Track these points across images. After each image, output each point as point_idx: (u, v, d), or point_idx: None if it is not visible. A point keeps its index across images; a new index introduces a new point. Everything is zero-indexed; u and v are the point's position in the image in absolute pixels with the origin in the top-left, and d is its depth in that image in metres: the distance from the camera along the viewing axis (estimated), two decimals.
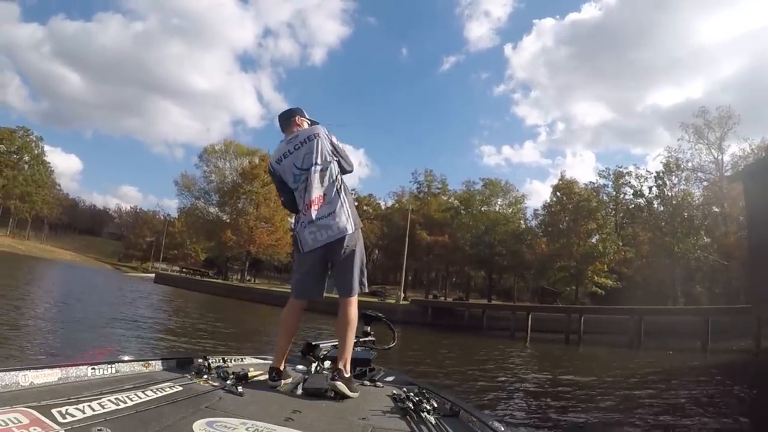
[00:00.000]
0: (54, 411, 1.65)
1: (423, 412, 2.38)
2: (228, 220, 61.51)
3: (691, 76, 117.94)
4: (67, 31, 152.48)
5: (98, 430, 1.57)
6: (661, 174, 46.87)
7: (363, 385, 3.07)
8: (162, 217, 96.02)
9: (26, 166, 79.16)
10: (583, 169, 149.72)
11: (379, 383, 3.20)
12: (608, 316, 28.79)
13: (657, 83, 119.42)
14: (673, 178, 46.76)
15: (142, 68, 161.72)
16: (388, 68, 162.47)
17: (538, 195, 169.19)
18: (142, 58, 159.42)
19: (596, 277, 46.82)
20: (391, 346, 4.12)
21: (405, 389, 2.85)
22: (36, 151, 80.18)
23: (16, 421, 1.50)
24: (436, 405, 2.52)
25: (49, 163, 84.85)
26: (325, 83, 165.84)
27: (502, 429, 2.23)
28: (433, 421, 2.27)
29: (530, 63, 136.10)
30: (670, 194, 46.88)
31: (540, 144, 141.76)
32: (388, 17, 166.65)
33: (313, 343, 3.48)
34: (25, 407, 1.63)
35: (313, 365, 3.25)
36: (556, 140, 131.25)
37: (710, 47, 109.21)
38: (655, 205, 48.19)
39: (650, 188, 48.34)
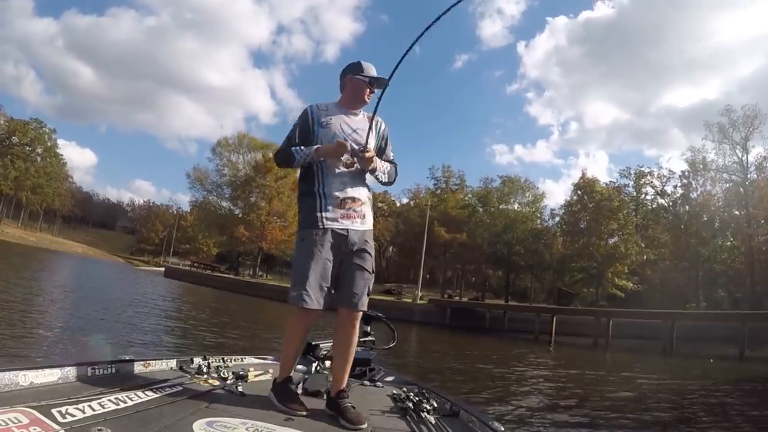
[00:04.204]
0: (54, 411, 1.66)
1: (423, 412, 2.43)
2: (240, 215, 60.86)
3: (707, 76, 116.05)
4: (80, 26, 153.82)
5: (98, 430, 1.59)
6: (686, 173, 45.76)
7: (363, 385, 3.09)
8: (174, 211, 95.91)
9: (39, 158, 79.14)
10: (597, 169, 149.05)
11: (379, 383, 3.20)
12: (634, 320, 27.55)
13: (672, 83, 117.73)
14: (699, 178, 45.58)
15: (155, 63, 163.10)
16: (401, 65, 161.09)
17: (551, 195, 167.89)
18: (155, 53, 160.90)
19: (617, 279, 45.59)
20: (391, 345, 4.11)
21: (405, 389, 2.88)
22: (49, 143, 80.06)
23: (16, 421, 1.51)
24: (436, 405, 2.57)
25: (61, 155, 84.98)
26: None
27: (502, 429, 2.24)
28: (433, 421, 2.34)
29: (543, 62, 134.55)
30: (694, 195, 45.90)
31: (553, 143, 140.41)
32: (400, 14, 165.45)
33: (313, 343, 3.46)
34: (25, 407, 1.64)
35: (313, 365, 3.23)
36: (569, 140, 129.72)
37: (727, 47, 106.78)
38: (679, 203, 47.20)
39: (675, 187, 47.75)
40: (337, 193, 2.53)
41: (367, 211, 2.63)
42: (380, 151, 2.75)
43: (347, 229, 2.50)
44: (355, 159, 2.54)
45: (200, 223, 71.65)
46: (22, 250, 52.58)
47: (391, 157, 2.82)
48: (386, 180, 2.75)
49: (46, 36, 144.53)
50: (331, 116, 2.65)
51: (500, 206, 57.27)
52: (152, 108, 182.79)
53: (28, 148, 76.82)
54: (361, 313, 2.57)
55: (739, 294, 45.03)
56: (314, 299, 2.40)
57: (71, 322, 11.46)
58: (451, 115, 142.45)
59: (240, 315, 21.89)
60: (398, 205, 70.57)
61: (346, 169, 2.56)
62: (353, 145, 2.56)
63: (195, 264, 69.19)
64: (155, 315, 16.23)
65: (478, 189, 61.07)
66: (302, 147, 2.57)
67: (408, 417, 2.42)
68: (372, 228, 2.67)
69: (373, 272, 2.62)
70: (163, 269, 60.24)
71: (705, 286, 44.87)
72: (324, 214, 2.49)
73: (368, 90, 2.71)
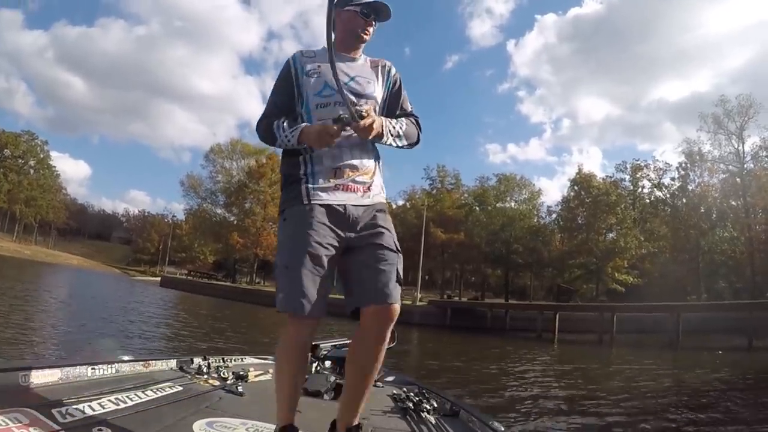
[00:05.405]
0: (54, 411, 1.66)
1: (423, 412, 2.43)
2: (235, 221, 60.55)
3: (697, 68, 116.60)
4: (69, 37, 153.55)
5: (98, 430, 1.60)
6: (684, 165, 45.61)
7: None
8: (169, 220, 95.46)
9: (31, 171, 78.93)
10: (590, 165, 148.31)
11: (379, 383, 3.13)
12: (636, 314, 27.18)
13: (662, 77, 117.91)
14: (696, 169, 45.33)
15: (146, 72, 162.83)
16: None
17: (546, 192, 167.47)
18: (145, 62, 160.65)
19: (616, 274, 45.26)
20: (390, 346, 3.56)
21: (405, 389, 2.88)
22: (41, 155, 79.76)
23: (16, 421, 1.50)
24: (436, 405, 2.57)
25: (54, 167, 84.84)
26: None
27: (502, 429, 2.22)
28: (433, 421, 2.34)
29: (533, 60, 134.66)
30: (692, 186, 45.76)
31: (545, 141, 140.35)
32: None
33: (313, 343, 3.32)
34: (25, 407, 1.62)
35: (313, 365, 3.20)
36: (562, 137, 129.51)
37: (717, 38, 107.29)
38: (677, 195, 47.04)
39: (673, 179, 47.61)
40: (329, 161, 1.88)
41: (375, 182, 1.97)
42: (393, 104, 2.09)
43: (344, 205, 1.85)
44: (348, 129, 1.82)
45: (195, 231, 71.23)
46: (17, 263, 51.91)
47: (409, 110, 2.13)
48: (404, 144, 2.03)
49: (36, 48, 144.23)
50: (320, 63, 1.94)
51: (497, 204, 56.88)
52: (144, 118, 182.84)
53: (20, 161, 76.71)
54: (396, 310, 1.81)
55: (739, 284, 44.87)
56: (309, 301, 1.71)
57: (63, 336, 11.03)
58: (444, 116, 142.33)
59: (236, 322, 21.42)
60: (394, 207, 70.24)
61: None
62: (351, 97, 1.87)
63: (191, 273, 68.65)
64: (147, 325, 15.71)
65: (474, 188, 60.72)
66: (285, 123, 1.89)
67: (408, 417, 2.41)
68: (384, 202, 2.00)
69: (398, 251, 1.90)
70: (159, 279, 59.78)
71: (705, 277, 44.56)
72: (310, 185, 1.85)
73: (363, 22, 1.97)
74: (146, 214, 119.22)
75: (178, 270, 75.86)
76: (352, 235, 1.84)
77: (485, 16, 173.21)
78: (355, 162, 1.91)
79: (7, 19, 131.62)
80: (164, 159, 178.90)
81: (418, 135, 2.09)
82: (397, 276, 1.83)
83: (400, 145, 2.01)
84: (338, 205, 1.84)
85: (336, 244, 1.81)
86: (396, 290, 1.81)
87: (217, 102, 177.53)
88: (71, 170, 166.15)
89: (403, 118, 2.05)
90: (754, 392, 10.77)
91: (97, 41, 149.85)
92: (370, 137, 1.85)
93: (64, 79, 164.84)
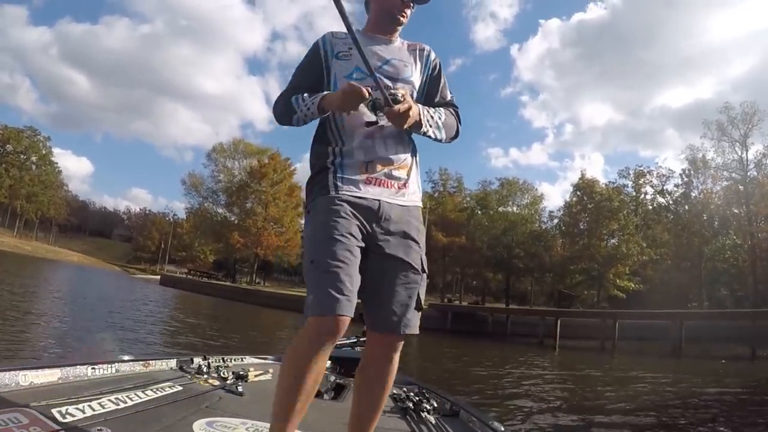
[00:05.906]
0: (54, 411, 1.65)
1: (423, 412, 2.44)
2: (236, 221, 60.46)
3: (700, 75, 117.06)
4: (74, 34, 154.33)
5: (98, 430, 1.58)
6: (687, 172, 45.52)
7: None
8: (170, 219, 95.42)
9: (33, 167, 78.94)
10: (592, 171, 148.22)
11: None
12: (638, 321, 26.99)
13: (666, 83, 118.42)
14: (700, 176, 45.26)
15: (150, 71, 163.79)
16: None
17: (547, 197, 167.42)
18: (149, 61, 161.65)
19: (618, 280, 45.09)
20: None
21: (405, 389, 2.87)
22: (43, 152, 79.74)
23: (16, 421, 1.50)
24: (436, 405, 2.58)
25: (56, 163, 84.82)
26: None
27: (502, 429, 2.21)
28: (433, 421, 2.35)
29: (536, 65, 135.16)
30: (695, 193, 45.65)
31: (548, 146, 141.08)
32: None
33: None
34: (25, 407, 1.62)
35: None
36: (564, 142, 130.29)
37: (720, 45, 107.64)
38: (680, 202, 47.01)
39: (676, 186, 47.59)
40: (360, 154, 1.68)
41: (412, 179, 1.76)
42: (432, 90, 1.87)
43: (378, 200, 1.64)
44: (379, 116, 1.63)
45: (196, 230, 71.36)
46: (17, 259, 51.76)
47: (449, 98, 1.90)
48: (443, 136, 1.80)
49: (41, 44, 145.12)
50: (351, 45, 1.68)
51: (499, 209, 56.80)
52: (148, 116, 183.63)
53: (22, 157, 76.67)
54: (403, 340, 1.65)
55: (741, 292, 44.81)
56: (345, 296, 1.44)
57: (62, 334, 10.93)
58: None
59: (236, 323, 21.30)
60: None
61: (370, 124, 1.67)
62: (386, 81, 1.68)
63: (191, 271, 68.58)
64: (146, 324, 15.57)
65: (477, 192, 60.59)
66: (305, 94, 1.70)
67: (408, 417, 2.41)
68: (420, 205, 1.79)
69: (424, 271, 1.70)
70: (158, 277, 59.74)
71: (707, 284, 44.54)
72: (339, 175, 1.65)
73: (400, 3, 1.78)
74: (147, 212, 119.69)
75: (179, 269, 75.68)
76: (381, 236, 1.64)
77: (489, 20, 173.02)
78: (390, 155, 1.70)
79: (11, 15, 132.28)
80: (167, 158, 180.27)
81: (458, 128, 1.87)
82: (417, 301, 1.65)
83: (439, 137, 1.78)
84: (372, 199, 1.64)
85: (365, 237, 1.61)
86: (414, 318, 1.64)
87: (221, 102, 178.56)
88: (74, 167, 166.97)
89: (442, 108, 1.83)
90: (759, 404, 10.63)
91: (101, 39, 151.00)
92: (406, 126, 1.64)
93: (68, 76, 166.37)
